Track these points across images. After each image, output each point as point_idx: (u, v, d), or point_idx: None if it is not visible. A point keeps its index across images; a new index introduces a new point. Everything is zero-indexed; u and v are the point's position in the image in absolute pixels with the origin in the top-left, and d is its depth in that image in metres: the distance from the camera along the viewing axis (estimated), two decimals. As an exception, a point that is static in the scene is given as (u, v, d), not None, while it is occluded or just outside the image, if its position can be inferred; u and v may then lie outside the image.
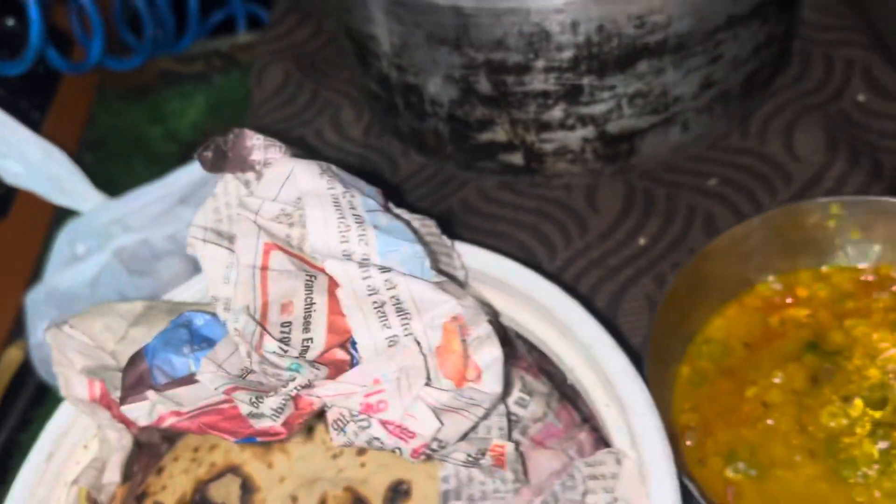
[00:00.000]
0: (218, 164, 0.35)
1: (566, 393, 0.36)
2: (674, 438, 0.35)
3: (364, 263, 0.33)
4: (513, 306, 0.38)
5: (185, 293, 0.42)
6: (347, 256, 0.33)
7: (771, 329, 0.44)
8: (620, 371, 0.35)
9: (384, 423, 0.30)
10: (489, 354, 0.31)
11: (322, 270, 0.33)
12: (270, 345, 0.31)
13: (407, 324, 0.31)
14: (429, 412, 0.30)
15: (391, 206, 0.36)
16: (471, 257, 0.39)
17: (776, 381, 0.41)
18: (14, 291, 0.62)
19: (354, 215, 0.34)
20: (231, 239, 0.34)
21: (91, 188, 0.63)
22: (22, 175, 0.60)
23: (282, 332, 0.32)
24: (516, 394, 0.34)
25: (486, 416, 0.31)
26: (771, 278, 0.45)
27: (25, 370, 0.60)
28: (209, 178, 0.36)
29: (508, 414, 0.33)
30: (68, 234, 0.61)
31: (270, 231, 0.34)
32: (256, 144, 0.35)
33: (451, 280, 0.36)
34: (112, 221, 0.61)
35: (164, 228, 0.60)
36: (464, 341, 0.31)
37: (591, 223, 0.53)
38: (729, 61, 0.46)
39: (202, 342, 0.35)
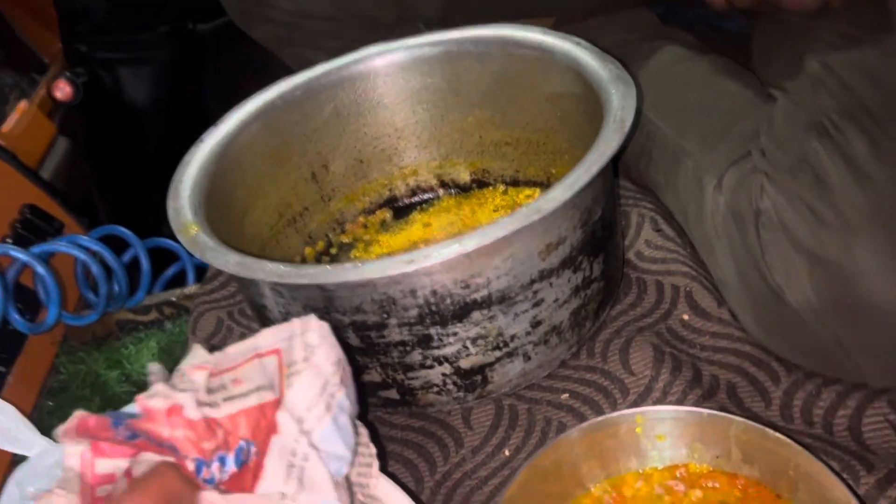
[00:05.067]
0: None
1: None
2: None
3: (305, 433, 0.41)
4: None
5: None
6: (300, 420, 0.42)
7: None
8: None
9: None
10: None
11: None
12: None
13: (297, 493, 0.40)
14: None
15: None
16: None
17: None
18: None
19: (328, 401, 0.43)
20: None
21: (37, 435, 0.71)
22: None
23: None
24: None
25: None
26: (603, 482, 0.54)
27: None
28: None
29: None
30: (17, 477, 0.69)
31: None
32: None
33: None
34: (57, 464, 0.69)
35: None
36: None
37: (465, 439, 0.62)
38: (551, 304, 0.57)
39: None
